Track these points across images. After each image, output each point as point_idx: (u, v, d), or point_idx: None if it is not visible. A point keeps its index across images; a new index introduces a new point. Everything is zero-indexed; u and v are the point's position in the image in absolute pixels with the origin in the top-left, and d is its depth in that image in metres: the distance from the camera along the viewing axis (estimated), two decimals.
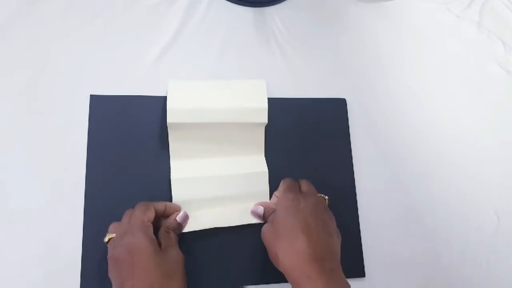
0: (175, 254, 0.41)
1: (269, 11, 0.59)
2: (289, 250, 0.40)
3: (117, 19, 0.54)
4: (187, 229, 0.45)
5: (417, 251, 0.52)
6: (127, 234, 0.40)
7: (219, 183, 0.47)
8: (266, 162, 0.50)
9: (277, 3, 0.60)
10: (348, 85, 0.57)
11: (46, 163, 0.47)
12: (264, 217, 0.46)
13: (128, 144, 0.49)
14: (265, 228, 0.43)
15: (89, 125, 0.49)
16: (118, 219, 0.43)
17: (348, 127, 0.55)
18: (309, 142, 0.53)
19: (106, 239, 0.41)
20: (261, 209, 0.46)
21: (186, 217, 0.45)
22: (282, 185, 0.47)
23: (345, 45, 0.60)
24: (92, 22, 0.54)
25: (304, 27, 0.60)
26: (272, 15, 0.59)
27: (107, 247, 0.41)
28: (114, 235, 0.41)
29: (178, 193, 0.46)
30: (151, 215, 0.42)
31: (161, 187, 0.47)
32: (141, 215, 0.42)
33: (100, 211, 0.46)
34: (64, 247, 0.45)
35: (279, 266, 0.40)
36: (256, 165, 0.49)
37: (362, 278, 0.49)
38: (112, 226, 0.43)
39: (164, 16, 0.56)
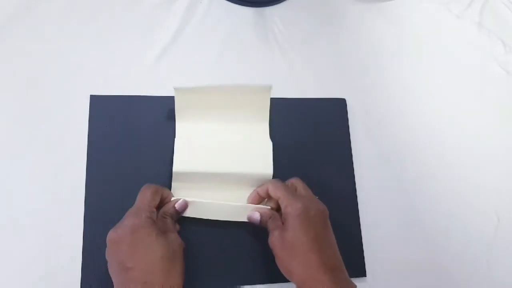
0: (174, 238, 0.41)
1: (269, 11, 0.60)
2: (304, 261, 0.39)
3: (117, 19, 0.55)
4: (186, 214, 0.45)
5: (418, 251, 0.52)
6: (130, 215, 0.40)
7: (222, 153, 0.47)
8: None
9: (277, 3, 0.60)
10: (348, 85, 0.57)
11: (46, 163, 0.47)
12: (261, 223, 0.45)
13: (128, 144, 0.49)
14: (275, 238, 0.42)
15: (89, 125, 0.49)
16: (118, 219, 0.43)
17: (348, 127, 0.55)
18: (309, 142, 0.53)
19: None
20: (257, 215, 0.45)
21: (184, 205, 0.45)
22: (278, 189, 0.44)
23: (345, 45, 0.60)
24: (92, 22, 0.54)
25: (304, 27, 0.60)
26: (272, 15, 0.59)
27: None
28: None
29: (180, 163, 0.46)
30: (157, 200, 0.43)
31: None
32: (148, 198, 0.42)
33: (100, 211, 0.46)
34: (64, 247, 0.45)
35: (291, 276, 0.40)
36: (261, 136, 0.49)
37: (363, 278, 0.49)
38: None
39: (164, 16, 0.56)
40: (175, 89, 0.46)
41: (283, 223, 0.42)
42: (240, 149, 0.48)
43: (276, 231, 0.42)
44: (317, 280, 0.38)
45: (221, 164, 0.46)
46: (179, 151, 0.46)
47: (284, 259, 0.41)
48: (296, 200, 0.42)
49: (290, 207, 0.42)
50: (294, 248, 0.40)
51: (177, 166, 0.46)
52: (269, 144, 0.49)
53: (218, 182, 0.47)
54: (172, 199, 0.45)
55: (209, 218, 0.45)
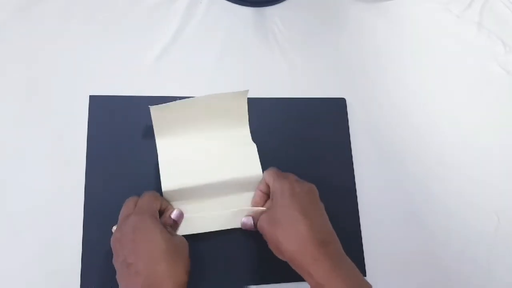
0: (179, 237, 0.41)
1: (269, 11, 0.60)
2: (292, 234, 0.39)
3: (117, 19, 0.54)
4: (180, 232, 0.44)
5: (418, 251, 0.52)
6: (133, 215, 0.40)
7: (208, 164, 0.46)
8: (266, 162, 0.50)
9: (277, 3, 0.60)
10: (348, 85, 0.57)
11: (46, 163, 0.47)
12: (255, 225, 0.44)
13: (127, 144, 0.49)
14: (262, 218, 0.42)
15: (88, 125, 0.49)
16: (118, 219, 0.43)
17: (348, 127, 0.55)
18: (309, 142, 0.53)
19: (113, 229, 0.42)
20: (250, 220, 0.45)
21: (180, 215, 0.45)
22: (270, 175, 0.45)
23: (345, 45, 0.60)
24: (92, 22, 0.54)
25: (304, 27, 0.60)
26: (272, 15, 0.59)
27: (107, 247, 0.41)
28: None
29: (168, 181, 0.45)
30: (158, 205, 0.43)
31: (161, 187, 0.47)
32: (149, 201, 0.42)
33: (100, 211, 0.46)
34: (64, 247, 0.45)
35: (281, 252, 0.39)
36: (243, 140, 0.49)
37: None
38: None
39: (164, 16, 0.56)
40: (151, 108, 0.45)
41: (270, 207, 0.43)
42: (226, 156, 0.47)
43: (263, 214, 0.42)
44: (307, 254, 0.37)
45: (210, 174, 0.46)
46: (165, 170, 0.45)
47: (273, 237, 0.40)
48: (282, 179, 0.43)
49: (277, 185, 0.42)
50: (282, 223, 0.40)
51: (165, 185, 0.44)
52: (253, 146, 0.48)
53: (210, 193, 0.46)
54: (169, 210, 0.45)
55: (205, 231, 0.45)
